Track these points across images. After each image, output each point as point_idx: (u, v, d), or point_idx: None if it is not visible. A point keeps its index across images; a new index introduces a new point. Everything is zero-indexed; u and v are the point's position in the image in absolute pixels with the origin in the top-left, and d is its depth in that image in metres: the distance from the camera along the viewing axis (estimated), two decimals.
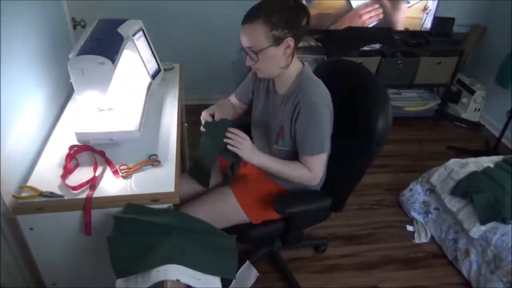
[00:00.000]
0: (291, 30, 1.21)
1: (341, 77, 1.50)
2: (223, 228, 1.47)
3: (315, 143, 1.29)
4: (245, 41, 1.22)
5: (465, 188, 1.93)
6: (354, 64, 1.57)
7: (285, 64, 1.27)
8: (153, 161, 1.30)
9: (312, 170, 1.33)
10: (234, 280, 1.66)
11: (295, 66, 1.31)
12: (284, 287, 1.82)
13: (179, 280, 0.97)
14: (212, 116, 1.35)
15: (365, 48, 2.80)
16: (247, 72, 1.50)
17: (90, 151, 1.34)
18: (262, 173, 1.48)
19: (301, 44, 2.63)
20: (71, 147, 1.33)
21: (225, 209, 1.45)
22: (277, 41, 1.20)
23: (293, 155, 1.37)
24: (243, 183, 1.53)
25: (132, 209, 1.16)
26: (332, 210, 1.58)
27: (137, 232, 1.09)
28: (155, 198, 1.18)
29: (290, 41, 1.21)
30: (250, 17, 1.20)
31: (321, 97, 1.27)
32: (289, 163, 1.35)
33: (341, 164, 1.46)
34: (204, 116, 1.37)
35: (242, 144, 1.28)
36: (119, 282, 1.00)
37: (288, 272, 1.84)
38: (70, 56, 1.25)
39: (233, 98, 1.58)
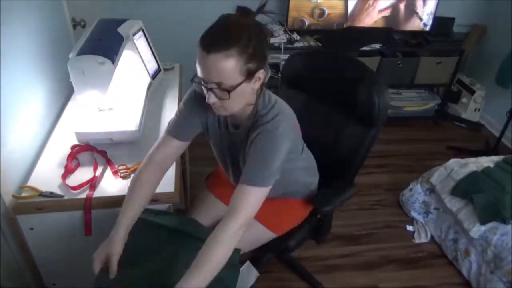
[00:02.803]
0: (263, 61, 0.99)
1: (329, 68, 1.54)
2: (253, 249, 1.39)
3: (263, 173, 1.04)
4: (211, 75, 0.95)
5: (465, 188, 1.93)
6: (341, 55, 1.57)
7: (254, 99, 1.06)
8: None
9: (244, 205, 1.02)
10: None
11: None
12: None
13: None
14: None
15: (365, 48, 2.80)
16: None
17: (91, 151, 1.34)
18: None
19: (301, 44, 2.70)
20: (73, 147, 1.33)
21: (250, 233, 1.15)
22: (250, 75, 0.98)
23: None
24: None
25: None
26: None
27: (144, 232, 1.09)
28: (155, 198, 1.18)
29: (261, 73, 1.01)
30: (219, 44, 0.91)
31: (282, 125, 1.06)
32: (202, 255, 0.96)
33: (345, 148, 1.47)
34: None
35: None
36: None
37: (305, 272, 1.87)
38: (70, 56, 1.25)
39: (173, 141, 1.17)
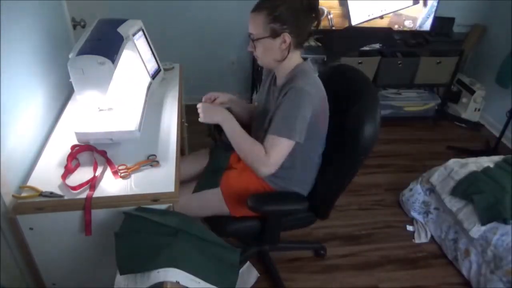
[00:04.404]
0: (290, 27, 1.24)
1: (335, 82, 1.51)
2: (206, 217, 1.54)
3: (285, 124, 1.25)
4: (249, 27, 1.29)
5: (465, 188, 1.93)
6: (350, 69, 1.55)
7: (280, 57, 1.30)
8: (152, 161, 1.30)
9: (269, 152, 1.26)
10: None
11: (294, 60, 1.33)
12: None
13: (178, 282, 0.97)
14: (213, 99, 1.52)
15: (365, 48, 2.80)
16: (248, 71, 1.55)
17: (91, 151, 1.34)
18: (251, 170, 1.49)
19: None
20: (73, 147, 1.33)
21: (209, 196, 1.48)
22: (274, 34, 1.25)
23: None
24: (231, 175, 1.53)
25: (143, 209, 1.16)
26: (317, 217, 1.56)
27: (145, 231, 1.09)
28: (155, 198, 1.18)
29: (286, 36, 1.25)
30: (258, 5, 1.27)
31: (308, 85, 1.27)
32: (253, 140, 1.32)
33: (326, 171, 1.45)
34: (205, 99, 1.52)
35: (199, 109, 1.37)
36: (119, 279, 1.00)
37: (276, 273, 1.84)
38: (70, 56, 1.25)
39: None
